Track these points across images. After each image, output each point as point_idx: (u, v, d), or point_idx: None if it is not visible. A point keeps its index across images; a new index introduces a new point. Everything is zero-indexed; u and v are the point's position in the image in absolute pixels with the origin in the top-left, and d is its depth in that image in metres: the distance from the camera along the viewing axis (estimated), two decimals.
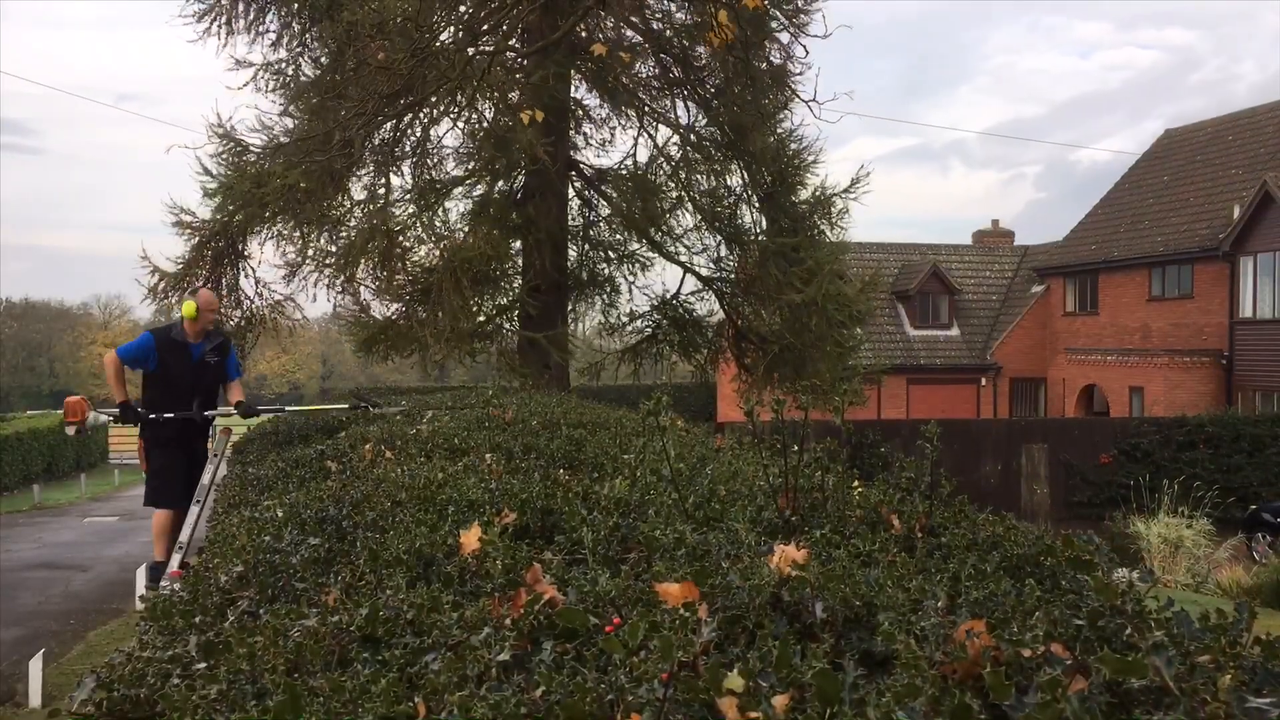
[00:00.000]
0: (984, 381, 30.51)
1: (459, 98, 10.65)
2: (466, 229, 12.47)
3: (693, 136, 13.04)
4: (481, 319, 12.60)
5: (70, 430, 7.01)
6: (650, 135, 13.43)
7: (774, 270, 12.12)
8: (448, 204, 12.93)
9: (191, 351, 6.99)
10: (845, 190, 12.92)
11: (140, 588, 8.13)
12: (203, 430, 7.24)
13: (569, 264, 13.50)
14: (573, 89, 13.03)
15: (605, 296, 14.24)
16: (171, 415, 6.82)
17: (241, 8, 12.45)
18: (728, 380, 15.11)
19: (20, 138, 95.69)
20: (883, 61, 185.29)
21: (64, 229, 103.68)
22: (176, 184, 67.50)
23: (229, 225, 11.87)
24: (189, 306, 6.95)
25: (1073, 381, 28.35)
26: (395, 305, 12.17)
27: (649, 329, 14.35)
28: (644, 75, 13.30)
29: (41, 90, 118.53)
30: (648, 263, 14.20)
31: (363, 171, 12.12)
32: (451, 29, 10.70)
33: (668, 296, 14.06)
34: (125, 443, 27.64)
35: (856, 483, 3.18)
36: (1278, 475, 18.75)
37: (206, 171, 11.78)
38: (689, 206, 13.43)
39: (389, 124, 11.43)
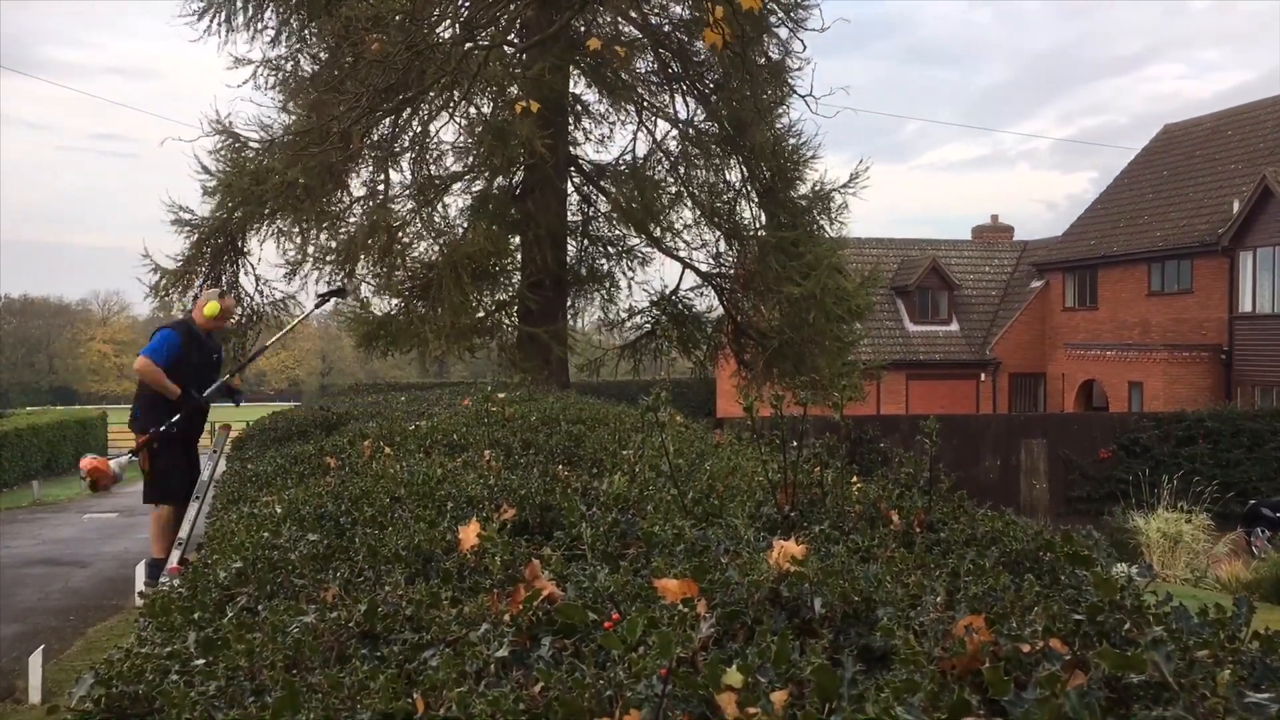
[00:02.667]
0: (983, 377, 30.49)
1: (456, 93, 10.65)
2: (466, 225, 12.46)
3: (691, 131, 13.02)
4: (481, 314, 12.60)
5: (103, 491, 7.04)
6: (649, 130, 13.43)
7: (773, 265, 12.11)
8: (447, 199, 12.95)
9: (206, 346, 7.08)
10: (844, 185, 12.92)
11: (139, 584, 8.12)
12: (201, 428, 7.29)
13: (568, 259, 13.49)
14: (571, 84, 13.01)
15: (605, 292, 14.23)
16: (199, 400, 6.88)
17: (240, 3, 12.43)
18: (727, 376, 15.11)
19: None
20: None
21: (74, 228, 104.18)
22: (176, 181, 67.44)
23: (228, 222, 11.87)
24: (213, 306, 7.01)
25: (1072, 376, 28.34)
26: (395, 301, 12.18)
27: (648, 325, 14.34)
28: (642, 70, 13.28)
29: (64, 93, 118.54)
30: (647, 258, 14.20)
31: (362, 168, 12.12)
32: (449, 23, 10.69)
33: (667, 292, 14.06)
34: (124, 439, 27.63)
35: (855, 478, 3.18)
36: (1277, 470, 18.74)
37: (205, 170, 11.78)
38: (688, 201, 13.42)
39: (387, 119, 11.43)
